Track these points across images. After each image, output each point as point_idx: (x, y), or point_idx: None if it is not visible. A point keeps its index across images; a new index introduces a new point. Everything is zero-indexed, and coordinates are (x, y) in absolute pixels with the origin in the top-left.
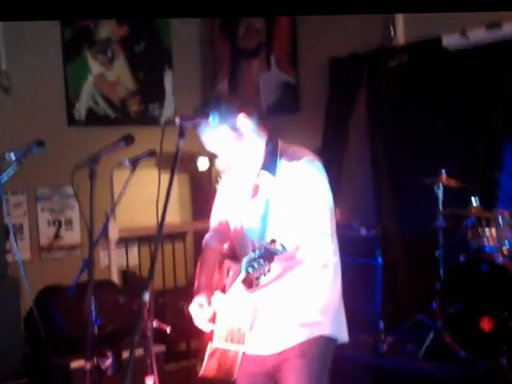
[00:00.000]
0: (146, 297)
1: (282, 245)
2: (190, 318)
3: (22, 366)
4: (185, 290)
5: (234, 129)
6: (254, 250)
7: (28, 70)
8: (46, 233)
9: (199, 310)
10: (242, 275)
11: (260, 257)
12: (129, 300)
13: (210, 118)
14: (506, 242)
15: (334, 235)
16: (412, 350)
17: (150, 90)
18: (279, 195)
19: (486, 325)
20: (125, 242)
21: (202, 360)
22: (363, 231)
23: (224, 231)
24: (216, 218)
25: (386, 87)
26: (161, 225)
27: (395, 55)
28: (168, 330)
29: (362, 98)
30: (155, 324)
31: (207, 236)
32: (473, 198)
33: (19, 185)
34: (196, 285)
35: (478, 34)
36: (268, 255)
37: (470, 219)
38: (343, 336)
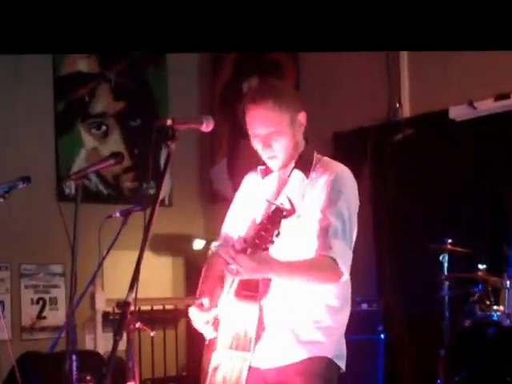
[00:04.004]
0: (130, 297)
1: (292, 205)
2: None
3: None
4: (175, 380)
5: (293, 121)
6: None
7: (18, 142)
8: (28, 312)
9: (199, 312)
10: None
11: (267, 221)
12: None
13: (274, 103)
14: None
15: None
16: None
17: (145, 168)
18: (306, 199)
19: None
20: (111, 325)
21: (205, 378)
22: (364, 306)
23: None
24: (229, 223)
25: (391, 161)
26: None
27: (400, 129)
28: (152, 333)
29: (365, 173)
30: (138, 325)
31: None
32: (479, 265)
33: (3, 260)
34: (198, 291)
35: (486, 105)
36: (276, 216)
37: (476, 286)
38: (343, 364)
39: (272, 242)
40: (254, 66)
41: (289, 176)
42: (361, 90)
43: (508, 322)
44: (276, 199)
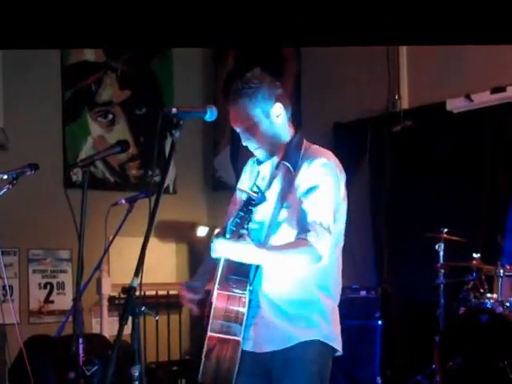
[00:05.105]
0: (135, 282)
1: (262, 193)
2: None
3: None
4: (178, 364)
5: (267, 115)
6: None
7: (26, 129)
8: (36, 296)
9: (190, 293)
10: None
11: (241, 209)
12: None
13: (244, 101)
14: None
15: (337, 241)
16: None
17: (151, 156)
18: (293, 189)
19: None
20: (117, 309)
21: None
22: (363, 293)
23: None
24: (230, 210)
25: (389, 152)
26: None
27: (399, 120)
28: (156, 318)
29: (364, 162)
30: (143, 310)
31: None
32: (474, 254)
33: (12, 245)
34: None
35: (482, 98)
36: (248, 204)
37: (471, 274)
38: (339, 347)
39: (246, 229)
40: (257, 57)
41: (276, 168)
42: (361, 82)
43: (501, 309)
44: (266, 191)
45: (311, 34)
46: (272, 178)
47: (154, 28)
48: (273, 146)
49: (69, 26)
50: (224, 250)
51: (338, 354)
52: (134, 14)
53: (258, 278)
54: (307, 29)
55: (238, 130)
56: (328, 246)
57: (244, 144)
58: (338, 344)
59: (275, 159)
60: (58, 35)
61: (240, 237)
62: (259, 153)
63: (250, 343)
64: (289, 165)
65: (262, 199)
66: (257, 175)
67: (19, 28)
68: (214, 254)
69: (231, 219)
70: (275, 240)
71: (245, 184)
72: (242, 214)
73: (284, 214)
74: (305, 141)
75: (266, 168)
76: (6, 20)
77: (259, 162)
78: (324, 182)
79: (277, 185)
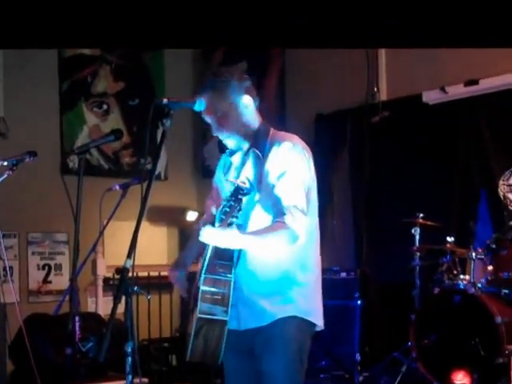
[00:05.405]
0: (129, 264)
1: (251, 183)
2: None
3: None
4: (169, 341)
5: (236, 105)
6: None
7: (25, 118)
8: (35, 276)
9: (175, 271)
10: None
11: (230, 198)
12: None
13: (214, 94)
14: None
15: (312, 221)
16: (387, 381)
17: (143, 144)
18: (263, 174)
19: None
20: (111, 289)
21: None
22: (343, 274)
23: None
24: (208, 199)
25: (368, 142)
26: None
27: (377, 111)
28: (148, 297)
29: (345, 152)
30: (136, 290)
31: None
32: (448, 238)
33: (12, 228)
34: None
35: (456, 90)
36: (237, 193)
37: (445, 257)
38: (319, 321)
39: (236, 217)
40: (244, 52)
41: (246, 155)
42: (342, 75)
43: (473, 290)
44: (237, 179)
45: (299, 36)
46: (243, 164)
47: (145, 29)
48: (242, 135)
49: (65, 28)
50: (212, 237)
51: (319, 328)
52: (126, 16)
53: (241, 260)
54: (296, 31)
55: (208, 120)
56: (304, 226)
57: (214, 134)
58: (317, 318)
59: (245, 147)
60: (53, 36)
61: (229, 225)
62: (229, 142)
63: (233, 322)
64: (257, 151)
65: (252, 189)
66: (229, 166)
67: (18, 29)
68: (201, 240)
69: (220, 208)
70: (250, 224)
71: (218, 175)
72: (231, 203)
73: (257, 197)
74: (271, 128)
75: (238, 157)
76: (4, 21)
77: (231, 154)
78: (293, 165)
79: (249, 170)
